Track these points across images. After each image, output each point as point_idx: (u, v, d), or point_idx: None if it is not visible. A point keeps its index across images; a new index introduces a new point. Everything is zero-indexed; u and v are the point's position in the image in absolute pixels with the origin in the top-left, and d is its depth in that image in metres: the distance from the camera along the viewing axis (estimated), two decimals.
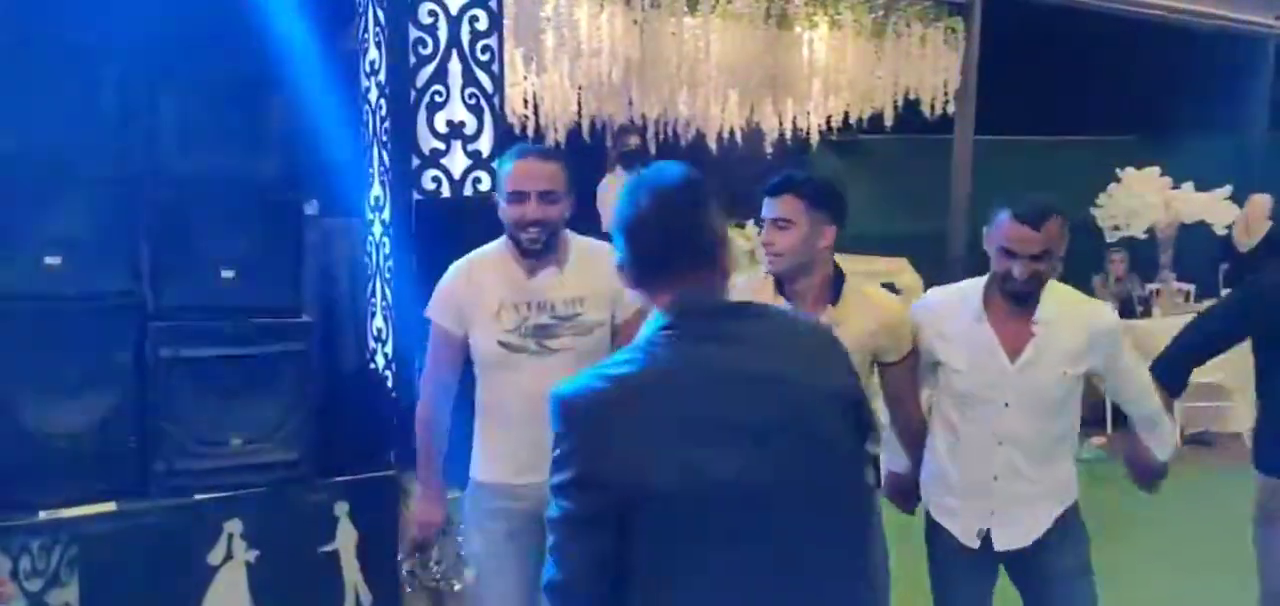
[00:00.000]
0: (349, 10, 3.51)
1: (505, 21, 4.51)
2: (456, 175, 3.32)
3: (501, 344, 2.30)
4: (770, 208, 2.21)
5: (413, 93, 3.25)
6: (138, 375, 2.97)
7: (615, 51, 5.06)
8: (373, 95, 3.40)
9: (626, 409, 1.33)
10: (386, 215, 3.33)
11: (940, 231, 6.66)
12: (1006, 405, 2.17)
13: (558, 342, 2.27)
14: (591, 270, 2.31)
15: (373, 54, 3.36)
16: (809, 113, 6.62)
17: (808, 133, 7.04)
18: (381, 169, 3.36)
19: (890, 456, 2.47)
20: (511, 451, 2.35)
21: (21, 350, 2.86)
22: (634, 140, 5.21)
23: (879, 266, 5.71)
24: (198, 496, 3.02)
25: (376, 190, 3.42)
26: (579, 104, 5.59)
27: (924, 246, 6.96)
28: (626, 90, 5.53)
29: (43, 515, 2.92)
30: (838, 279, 2.26)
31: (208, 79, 3.02)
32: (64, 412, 2.95)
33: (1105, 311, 2.35)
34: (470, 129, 3.34)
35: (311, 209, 3.40)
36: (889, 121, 6.78)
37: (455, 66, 3.31)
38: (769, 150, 7.20)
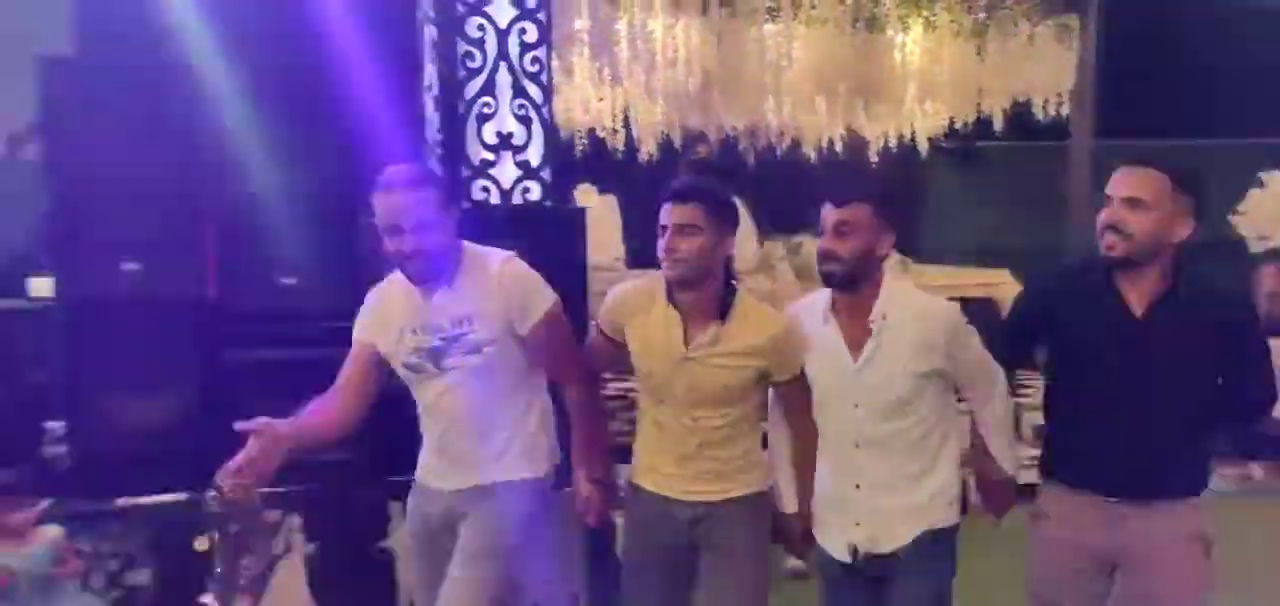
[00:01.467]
0: (409, 27, 3.64)
1: (583, 37, 4.60)
2: (506, 185, 3.39)
3: (406, 365, 2.30)
4: (676, 214, 2.12)
5: (462, 104, 3.35)
6: (207, 375, 3.17)
7: (692, 62, 5.06)
8: (428, 109, 3.52)
9: None
10: None
11: (1057, 244, 6.28)
12: (856, 406, 2.11)
13: (449, 361, 2.23)
14: (478, 286, 2.24)
15: (428, 69, 3.49)
16: (909, 120, 6.38)
17: (913, 140, 6.79)
18: None
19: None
20: (425, 458, 2.39)
21: (104, 351, 3.12)
22: (703, 150, 5.18)
23: (969, 279, 5.42)
24: (260, 490, 3.20)
25: None
26: (663, 116, 5.61)
27: (1039, 261, 6.58)
28: (708, 101, 5.50)
29: (121, 502, 3.17)
30: (729, 294, 2.17)
31: (271, 95, 3.20)
32: (141, 409, 3.21)
33: (947, 306, 2.17)
34: (519, 139, 3.41)
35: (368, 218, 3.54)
36: (998, 126, 6.47)
37: (504, 78, 3.39)
38: (874, 159, 6.99)
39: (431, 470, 2.35)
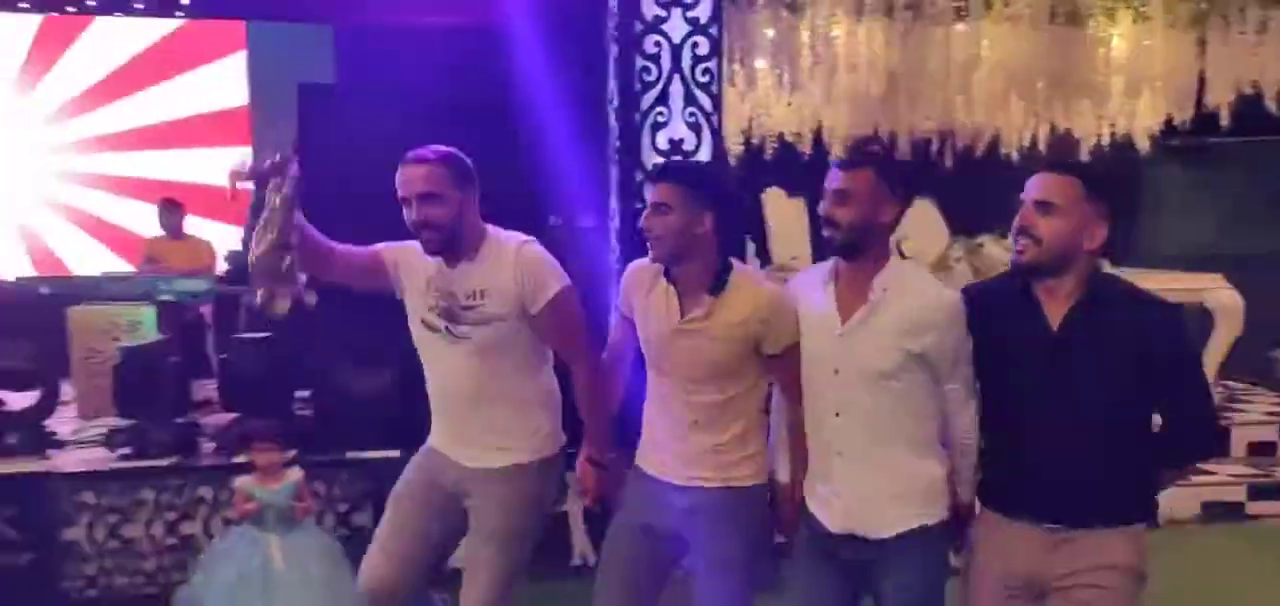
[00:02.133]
0: (598, 48, 4.02)
1: (768, 45, 4.81)
2: None
3: (423, 321, 2.40)
4: (650, 192, 2.20)
5: (638, 114, 3.69)
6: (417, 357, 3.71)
7: (876, 66, 5.12)
8: (611, 120, 3.88)
9: None
10: (617, 223, 3.79)
11: None
12: (836, 372, 2.06)
13: (461, 329, 2.32)
14: (495, 264, 2.33)
15: (610, 85, 3.85)
16: (1118, 116, 6.05)
17: (1129, 138, 6.42)
18: (615, 184, 3.84)
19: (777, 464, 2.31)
20: (436, 425, 2.50)
21: (338, 330, 3.72)
22: (875, 151, 5.23)
23: (1178, 283, 5.09)
24: None
25: (613, 202, 3.90)
26: (850, 120, 5.69)
27: (1271, 267, 6.05)
28: (894, 104, 5.53)
29: (349, 455, 3.79)
30: (724, 269, 2.19)
31: (472, 110, 3.70)
32: (366, 378, 3.82)
33: (951, 294, 2.08)
34: (690, 145, 3.70)
35: (555, 220, 3.97)
36: (1225, 121, 5.99)
37: (676, 89, 3.70)
38: (1086, 157, 6.67)
39: (442, 438, 2.45)
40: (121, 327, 4.61)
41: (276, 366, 4.05)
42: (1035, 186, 2.00)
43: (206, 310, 5.34)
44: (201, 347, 5.16)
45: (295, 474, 3.08)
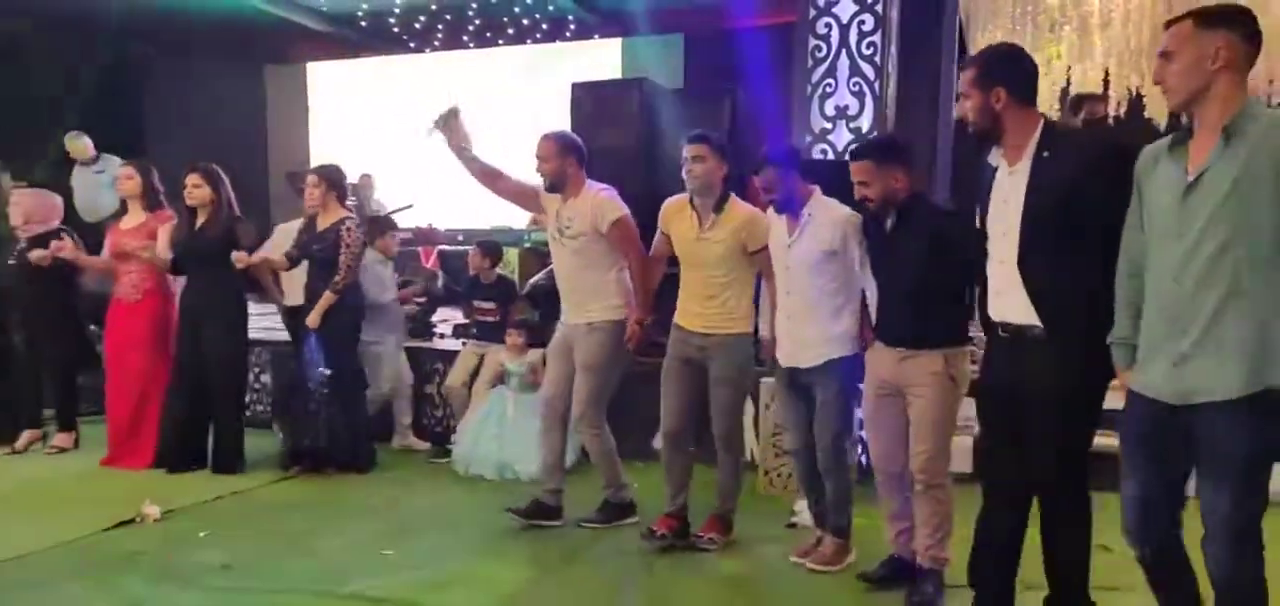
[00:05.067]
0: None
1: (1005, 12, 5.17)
2: (840, 147, 4.35)
3: (550, 233, 3.63)
4: (690, 150, 3.27)
5: (808, 87, 4.42)
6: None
7: (1139, 21, 5.09)
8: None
9: None
10: None
11: None
12: (787, 268, 3.11)
13: (566, 239, 3.53)
14: (582, 202, 3.50)
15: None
16: None
17: None
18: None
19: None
20: (562, 302, 3.67)
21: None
22: (1100, 109, 4.98)
23: None
24: None
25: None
26: (1116, 74, 5.56)
27: None
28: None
29: None
30: (724, 198, 3.29)
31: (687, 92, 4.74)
32: None
33: (848, 212, 3.01)
34: (853, 111, 4.34)
35: None
36: None
37: (843, 63, 4.35)
38: None
39: (564, 310, 3.67)
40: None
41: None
42: (853, 172, 2.93)
43: None
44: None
45: (533, 354, 4.43)
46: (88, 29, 8.69)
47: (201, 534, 3.51)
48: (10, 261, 4.60)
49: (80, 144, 6.57)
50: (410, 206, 7.40)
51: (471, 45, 9.37)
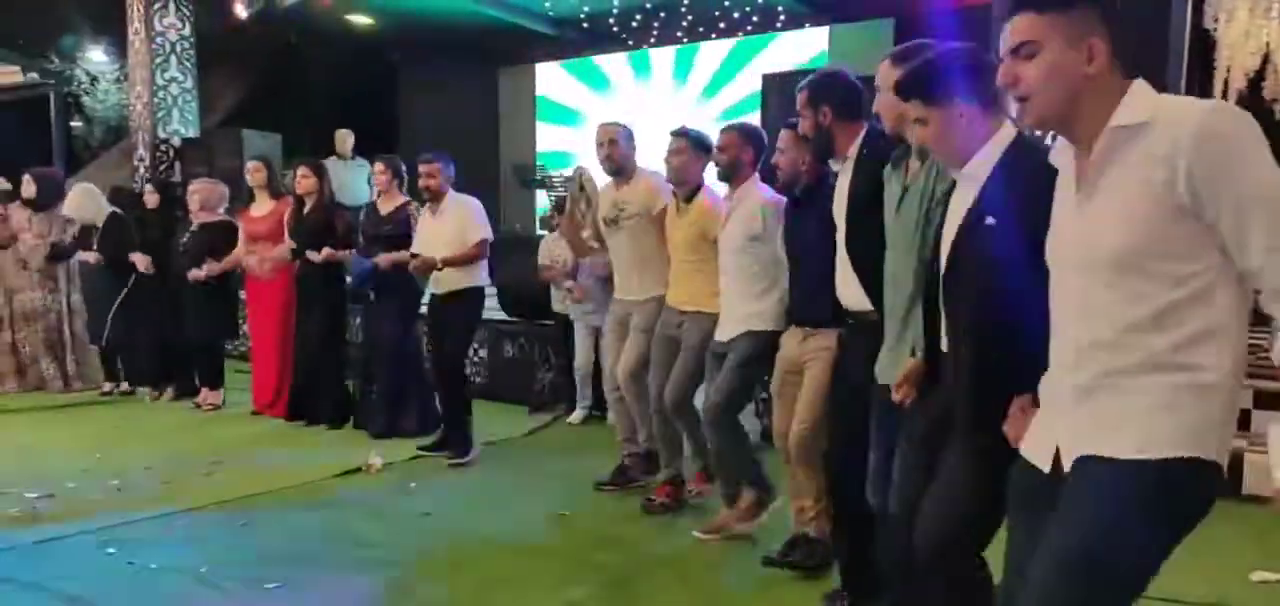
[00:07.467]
0: None
1: None
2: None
3: (604, 218, 3.75)
4: (669, 142, 3.45)
5: None
6: None
7: None
8: None
9: None
10: None
11: None
12: (725, 253, 3.28)
13: (622, 222, 3.68)
14: (636, 187, 3.69)
15: None
16: None
17: None
18: None
19: None
20: (617, 279, 3.84)
21: None
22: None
23: None
24: None
25: None
26: None
27: None
28: None
29: None
30: (695, 192, 3.46)
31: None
32: None
33: (761, 198, 3.14)
34: None
35: None
36: None
37: None
38: None
39: (619, 287, 3.84)
40: None
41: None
42: (777, 141, 2.92)
43: None
44: None
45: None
46: (350, 41, 9.85)
47: (412, 484, 3.97)
48: (184, 240, 5.30)
49: (346, 144, 7.75)
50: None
51: (685, 40, 9.33)
